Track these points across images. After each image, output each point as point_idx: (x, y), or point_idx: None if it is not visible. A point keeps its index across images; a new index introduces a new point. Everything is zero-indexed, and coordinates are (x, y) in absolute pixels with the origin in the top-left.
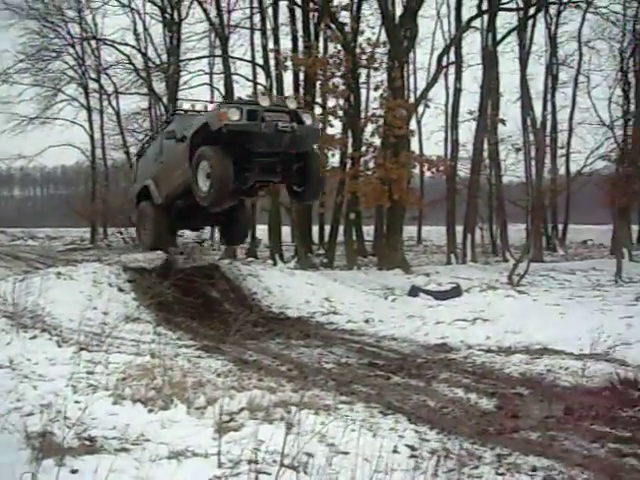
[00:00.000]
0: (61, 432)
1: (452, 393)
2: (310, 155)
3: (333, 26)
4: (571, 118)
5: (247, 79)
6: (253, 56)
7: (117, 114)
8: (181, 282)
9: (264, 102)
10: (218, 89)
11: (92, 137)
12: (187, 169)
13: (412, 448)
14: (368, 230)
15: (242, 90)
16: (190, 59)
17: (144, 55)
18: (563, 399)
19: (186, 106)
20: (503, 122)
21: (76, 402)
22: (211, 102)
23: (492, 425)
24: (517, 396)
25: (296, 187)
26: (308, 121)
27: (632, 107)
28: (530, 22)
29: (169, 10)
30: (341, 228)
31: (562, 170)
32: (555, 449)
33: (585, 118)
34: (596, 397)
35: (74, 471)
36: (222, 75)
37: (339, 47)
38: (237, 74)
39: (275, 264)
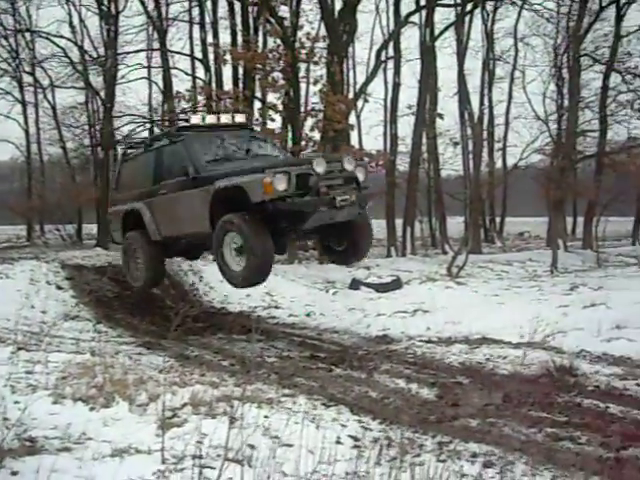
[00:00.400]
0: (0, 433)
1: (393, 384)
2: None
3: (272, 20)
4: (507, 112)
5: (186, 73)
6: (192, 50)
7: (53, 108)
8: (120, 279)
9: (319, 168)
10: (157, 83)
11: (27, 132)
12: (204, 223)
13: (355, 438)
14: None
15: (181, 84)
16: (128, 52)
17: (80, 48)
18: (502, 387)
19: (195, 120)
20: (441, 116)
21: (15, 402)
22: (219, 113)
23: (433, 414)
24: (457, 385)
25: (335, 246)
26: (361, 176)
27: (566, 102)
28: (467, 18)
29: (106, 2)
30: None
31: (499, 163)
32: (494, 435)
33: (521, 112)
34: (533, 384)
35: (14, 473)
36: (160, 69)
37: (278, 41)
38: (176, 68)
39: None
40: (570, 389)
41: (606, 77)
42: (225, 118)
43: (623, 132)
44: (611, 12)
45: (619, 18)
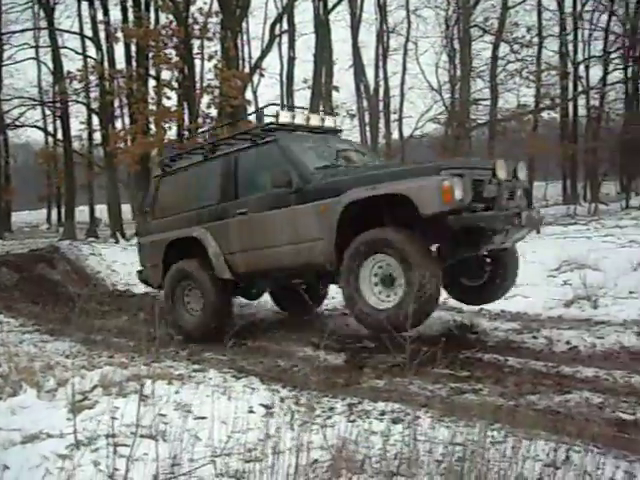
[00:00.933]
0: None
1: (302, 352)
2: None
3: None
4: (402, 83)
5: (76, 52)
6: (81, 28)
7: None
8: (19, 267)
9: (502, 172)
10: (46, 64)
11: None
12: (324, 249)
13: (266, 407)
14: None
15: (72, 64)
16: (13, 32)
17: None
18: (406, 348)
19: (284, 118)
20: (337, 89)
21: None
22: (305, 109)
23: (341, 378)
24: (364, 349)
25: (468, 280)
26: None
27: (458, 72)
28: None
29: None
30: None
31: (396, 134)
32: (401, 393)
33: (415, 83)
34: (436, 343)
35: None
36: (49, 49)
37: (171, 17)
38: (65, 47)
39: (117, 242)
40: (471, 346)
41: (495, 47)
42: (315, 120)
43: (513, 100)
44: None
45: None
